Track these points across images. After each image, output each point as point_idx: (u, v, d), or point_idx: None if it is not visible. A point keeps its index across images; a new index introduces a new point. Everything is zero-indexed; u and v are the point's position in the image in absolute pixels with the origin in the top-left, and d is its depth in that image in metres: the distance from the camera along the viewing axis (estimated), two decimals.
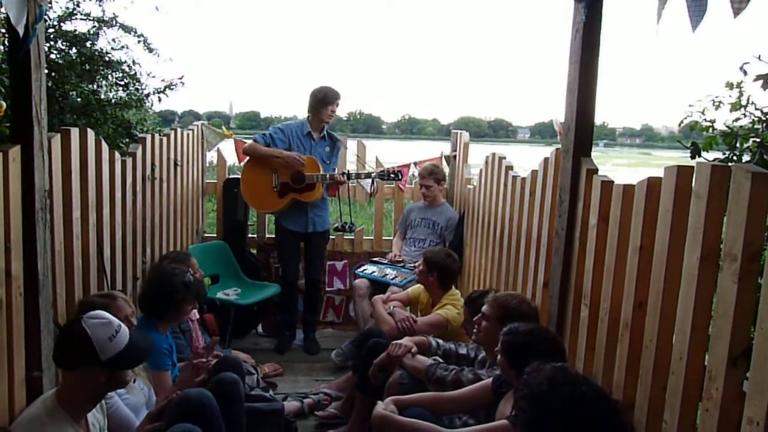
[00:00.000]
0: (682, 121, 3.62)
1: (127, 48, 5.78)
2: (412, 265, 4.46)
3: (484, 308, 2.66)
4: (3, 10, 2.90)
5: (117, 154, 3.28)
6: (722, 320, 1.70)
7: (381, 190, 5.33)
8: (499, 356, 2.26)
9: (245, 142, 4.90)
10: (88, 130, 2.88)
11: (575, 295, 2.67)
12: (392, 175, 4.53)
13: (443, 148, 5.53)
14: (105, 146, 3.09)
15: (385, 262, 4.77)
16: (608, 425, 1.57)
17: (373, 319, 3.93)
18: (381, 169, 4.69)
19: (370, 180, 4.90)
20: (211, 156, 5.58)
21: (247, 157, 4.63)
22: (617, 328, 2.32)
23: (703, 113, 3.59)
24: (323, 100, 4.48)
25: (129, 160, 3.50)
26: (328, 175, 4.41)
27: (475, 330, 2.69)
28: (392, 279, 4.46)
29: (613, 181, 2.44)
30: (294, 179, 4.51)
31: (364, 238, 5.44)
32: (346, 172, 4.55)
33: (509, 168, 3.86)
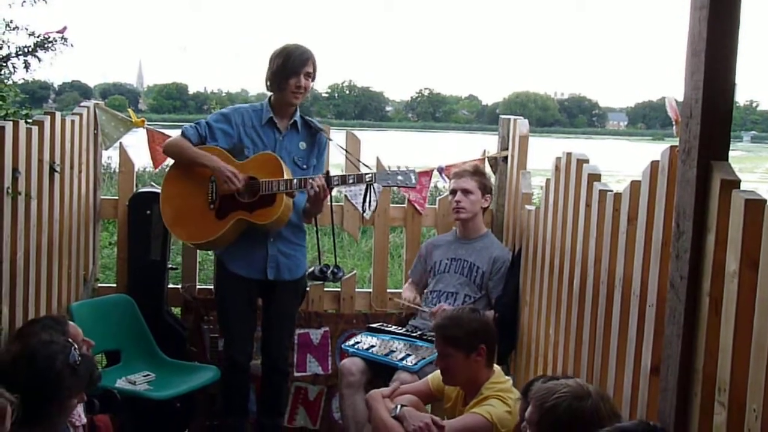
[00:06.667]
0: None
1: None
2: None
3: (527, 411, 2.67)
4: None
5: None
6: None
7: (386, 212, 4.94)
8: None
9: (166, 136, 4.60)
10: None
11: (704, 388, 2.47)
12: (399, 179, 4.07)
13: (486, 143, 5.28)
14: None
15: (392, 329, 4.42)
16: None
17: (371, 424, 3.70)
18: (384, 171, 4.24)
19: (362, 190, 4.49)
20: (110, 157, 5.45)
21: (170, 160, 4.33)
22: None
23: None
24: (283, 66, 4.04)
25: None
26: (295, 181, 4.03)
27: None
28: (401, 359, 4.10)
29: (765, 201, 2.24)
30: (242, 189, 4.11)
31: (358, 290, 5.05)
32: (326, 174, 4.08)
33: (594, 177, 3.57)
